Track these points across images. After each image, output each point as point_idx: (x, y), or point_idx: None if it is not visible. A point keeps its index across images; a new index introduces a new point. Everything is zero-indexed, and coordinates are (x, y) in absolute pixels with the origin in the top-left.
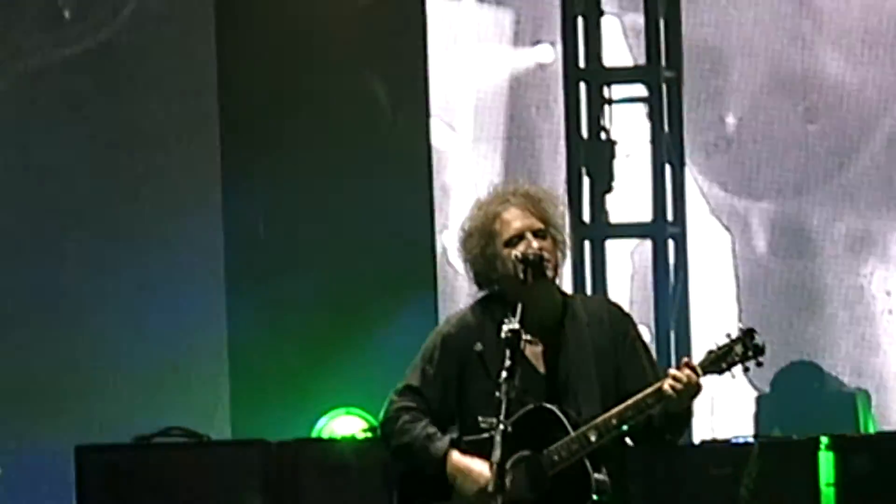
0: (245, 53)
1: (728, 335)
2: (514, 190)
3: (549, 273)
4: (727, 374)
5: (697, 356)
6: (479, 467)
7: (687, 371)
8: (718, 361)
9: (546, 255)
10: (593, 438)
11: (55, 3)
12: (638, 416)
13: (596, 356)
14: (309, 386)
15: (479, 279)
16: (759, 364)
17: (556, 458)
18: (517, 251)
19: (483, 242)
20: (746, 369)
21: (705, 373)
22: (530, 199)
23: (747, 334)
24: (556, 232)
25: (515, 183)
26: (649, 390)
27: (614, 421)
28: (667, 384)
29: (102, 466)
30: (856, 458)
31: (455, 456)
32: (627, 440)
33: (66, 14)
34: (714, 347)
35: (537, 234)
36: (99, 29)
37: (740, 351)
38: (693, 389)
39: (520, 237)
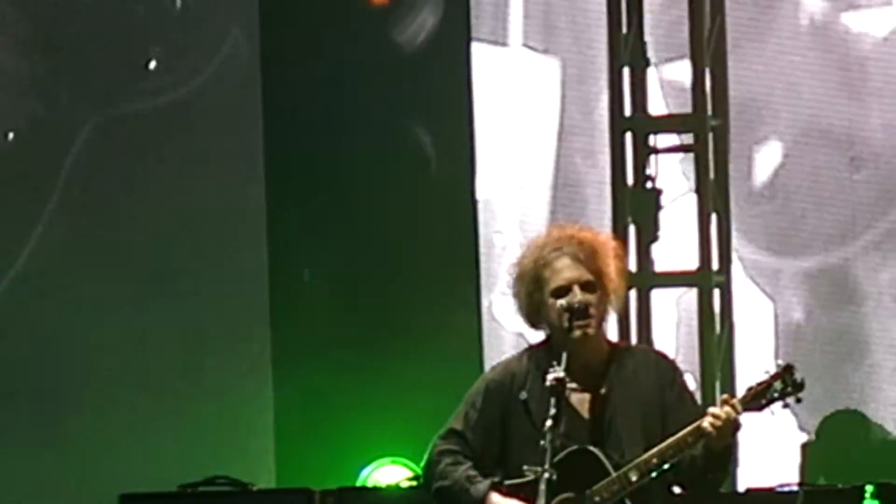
0: (290, 106)
1: (767, 371)
2: (570, 237)
3: (590, 331)
4: (767, 410)
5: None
6: None
7: (726, 408)
8: (758, 398)
9: (591, 309)
10: (634, 478)
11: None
12: (678, 454)
13: (641, 403)
14: (354, 435)
15: (529, 320)
16: (798, 400)
17: (597, 499)
18: (563, 301)
19: (531, 288)
20: (786, 405)
21: (745, 409)
22: (583, 249)
23: (786, 370)
24: (608, 282)
25: (572, 228)
26: (689, 428)
27: (655, 460)
28: (706, 422)
29: None
30: None
31: (495, 497)
32: (674, 488)
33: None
34: (753, 384)
35: (585, 286)
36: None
37: (780, 387)
38: (732, 426)
39: (567, 289)
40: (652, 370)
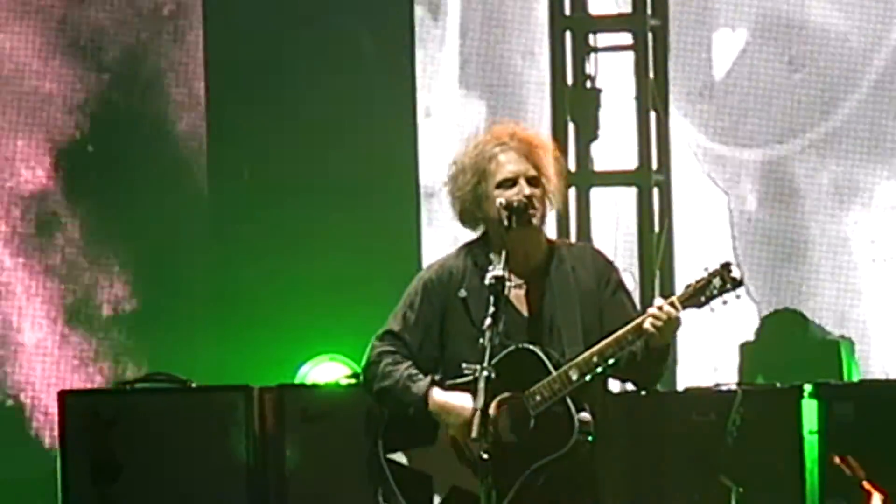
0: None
1: (706, 269)
2: (512, 133)
3: (535, 222)
4: (707, 307)
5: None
6: (462, 401)
7: (666, 307)
8: (697, 295)
9: (535, 202)
10: (574, 377)
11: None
12: (618, 352)
13: (580, 299)
14: (292, 332)
15: (464, 216)
16: (737, 296)
17: (538, 398)
18: (504, 196)
19: (475, 180)
20: (725, 302)
21: (684, 307)
22: (527, 145)
23: (724, 267)
24: (548, 181)
25: (514, 126)
26: (629, 326)
27: (595, 359)
28: (647, 321)
29: (85, 411)
30: (839, 405)
31: (437, 393)
32: (610, 382)
33: None
34: (692, 282)
35: (530, 181)
36: None
37: (718, 284)
38: (673, 324)
39: (513, 181)
40: (589, 266)
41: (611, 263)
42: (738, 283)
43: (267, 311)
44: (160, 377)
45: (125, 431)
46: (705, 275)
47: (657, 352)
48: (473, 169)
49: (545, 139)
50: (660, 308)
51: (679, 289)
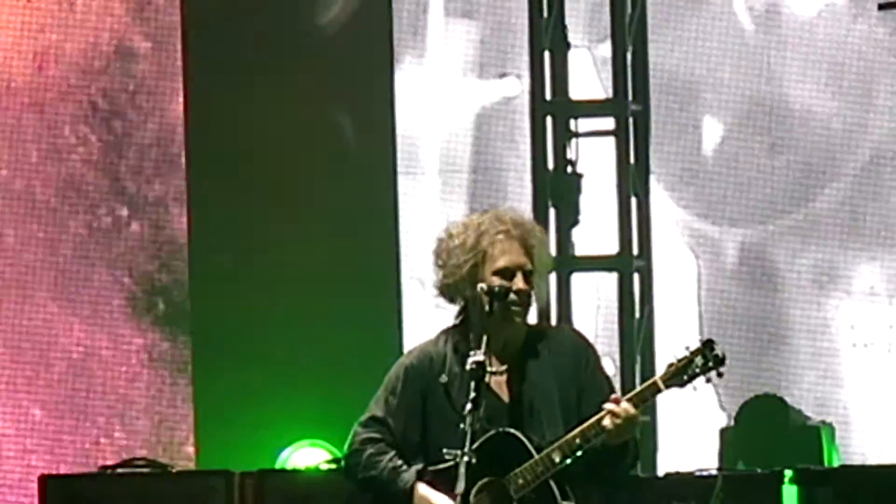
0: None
1: (687, 347)
2: (516, 222)
3: (519, 318)
4: (689, 386)
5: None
6: (446, 501)
7: (623, 404)
8: (679, 374)
9: (526, 298)
10: (557, 459)
11: None
12: (601, 433)
13: (559, 382)
14: (272, 417)
15: (448, 291)
16: (719, 375)
17: (520, 481)
18: (490, 284)
19: (472, 260)
20: (708, 380)
21: (667, 386)
22: (527, 237)
23: (706, 345)
24: (539, 277)
25: (518, 215)
26: (593, 420)
27: (577, 441)
28: (606, 418)
29: (67, 496)
30: (819, 491)
31: (421, 489)
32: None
33: None
34: (674, 360)
35: (526, 275)
36: None
37: (701, 362)
38: (631, 422)
39: (511, 272)
40: (568, 349)
41: (589, 344)
42: (720, 361)
43: (247, 395)
44: (140, 462)
45: None
46: (687, 353)
47: (614, 450)
48: (473, 248)
49: (542, 232)
50: (616, 404)
51: (659, 373)
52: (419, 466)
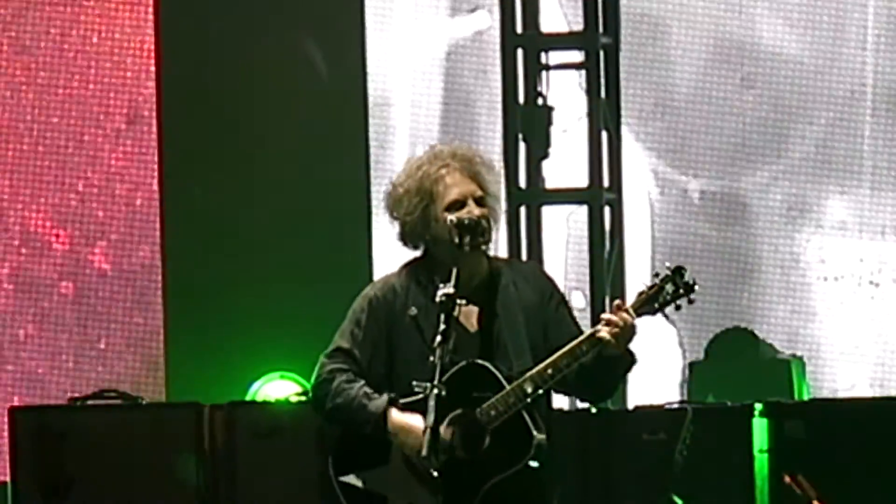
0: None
1: (657, 274)
2: (454, 153)
3: (485, 245)
4: (660, 314)
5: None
6: (421, 423)
7: (621, 313)
8: (650, 302)
9: (484, 222)
10: (529, 390)
11: None
12: (573, 363)
13: (524, 315)
14: (243, 350)
15: (409, 238)
16: (690, 301)
17: (492, 413)
18: (455, 216)
19: (423, 203)
20: (678, 307)
21: (638, 315)
22: (471, 165)
23: (676, 272)
24: (493, 200)
25: (455, 146)
26: (583, 336)
27: (549, 371)
28: (602, 329)
29: (36, 427)
30: (790, 424)
31: (395, 413)
32: (563, 397)
33: None
34: (644, 288)
35: (478, 201)
36: None
37: (671, 290)
38: (629, 331)
39: (462, 203)
40: (532, 282)
41: (551, 278)
42: (690, 288)
43: (217, 329)
44: (111, 394)
45: (76, 448)
46: (657, 281)
47: (612, 361)
48: (419, 191)
49: (485, 157)
50: (615, 314)
51: (630, 301)
52: (392, 395)
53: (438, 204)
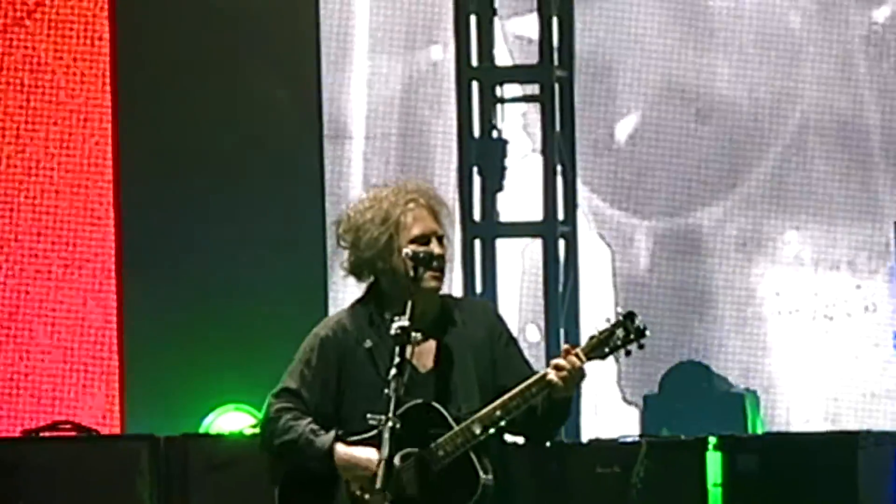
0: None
1: (608, 320)
2: (419, 189)
3: (439, 283)
4: (611, 358)
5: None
6: (367, 454)
7: (571, 357)
8: (601, 346)
9: (441, 262)
10: (478, 431)
11: None
12: (522, 405)
13: (474, 354)
14: (197, 382)
15: (364, 267)
16: (640, 347)
17: (440, 452)
18: (412, 248)
19: (387, 234)
20: (629, 353)
21: (589, 358)
22: (435, 204)
23: (628, 317)
24: (449, 243)
25: (418, 182)
26: (533, 379)
27: (498, 412)
28: (552, 373)
29: None
30: (743, 458)
31: (342, 448)
32: (509, 436)
33: None
34: (596, 332)
35: (440, 239)
36: None
37: (622, 335)
38: (577, 375)
39: (426, 238)
40: (481, 320)
41: (500, 316)
42: (641, 333)
43: (172, 361)
44: (65, 426)
45: (29, 479)
46: (608, 325)
47: (560, 404)
48: (384, 221)
49: (442, 197)
50: (564, 358)
51: (584, 339)
52: (339, 431)
53: (402, 236)
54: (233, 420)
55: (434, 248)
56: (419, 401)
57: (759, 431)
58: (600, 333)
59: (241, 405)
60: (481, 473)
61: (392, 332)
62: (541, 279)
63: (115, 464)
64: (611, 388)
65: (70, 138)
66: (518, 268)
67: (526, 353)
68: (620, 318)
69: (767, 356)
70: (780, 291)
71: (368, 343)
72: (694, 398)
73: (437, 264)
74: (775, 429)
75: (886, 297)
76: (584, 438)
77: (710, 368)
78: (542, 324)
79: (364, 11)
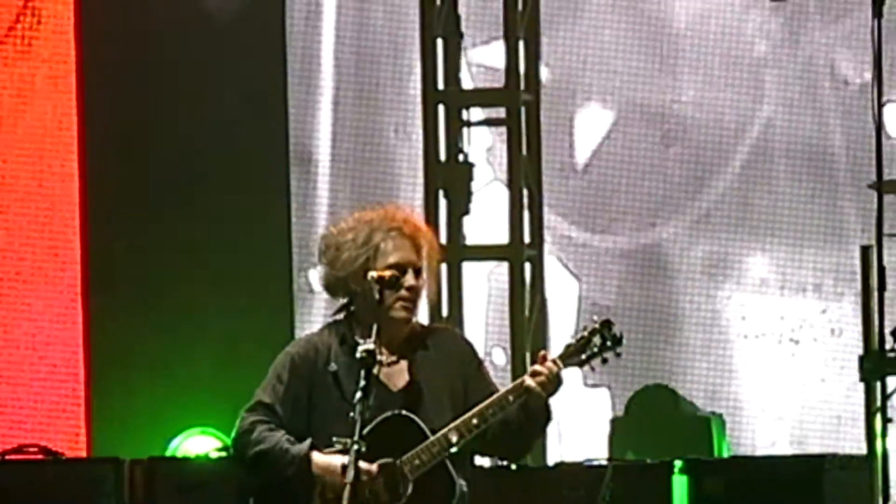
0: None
1: (585, 327)
2: (406, 219)
3: (406, 313)
4: (587, 366)
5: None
6: (344, 461)
7: (548, 364)
8: (578, 353)
9: (415, 296)
10: (454, 439)
11: None
12: (498, 413)
13: (445, 377)
14: (163, 405)
15: (338, 285)
16: (617, 355)
17: (416, 461)
18: (377, 272)
19: (364, 255)
20: (605, 360)
21: (565, 366)
22: (417, 236)
23: (605, 325)
24: (429, 276)
25: (408, 213)
26: (510, 387)
27: (475, 420)
28: (528, 379)
29: None
30: (709, 481)
31: (318, 455)
32: (480, 458)
33: None
34: (572, 340)
35: (417, 272)
36: None
37: (598, 342)
38: (555, 381)
39: (403, 268)
40: (451, 346)
41: (469, 342)
42: (618, 341)
43: (138, 384)
44: (31, 449)
45: None
46: (585, 333)
47: (536, 413)
48: (365, 244)
49: (430, 232)
50: (541, 364)
51: (558, 352)
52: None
53: (379, 261)
54: (199, 443)
55: (408, 279)
56: (396, 411)
57: (725, 455)
58: (577, 341)
59: (207, 428)
60: (458, 480)
61: (357, 355)
62: (507, 302)
63: (81, 487)
64: (576, 412)
65: (36, 160)
66: (484, 291)
67: (492, 376)
68: (597, 325)
69: (734, 379)
70: (746, 315)
71: (333, 367)
72: (660, 421)
73: (406, 293)
74: (741, 452)
75: (852, 321)
76: (551, 462)
77: (677, 392)
78: (509, 347)
79: (330, 35)
